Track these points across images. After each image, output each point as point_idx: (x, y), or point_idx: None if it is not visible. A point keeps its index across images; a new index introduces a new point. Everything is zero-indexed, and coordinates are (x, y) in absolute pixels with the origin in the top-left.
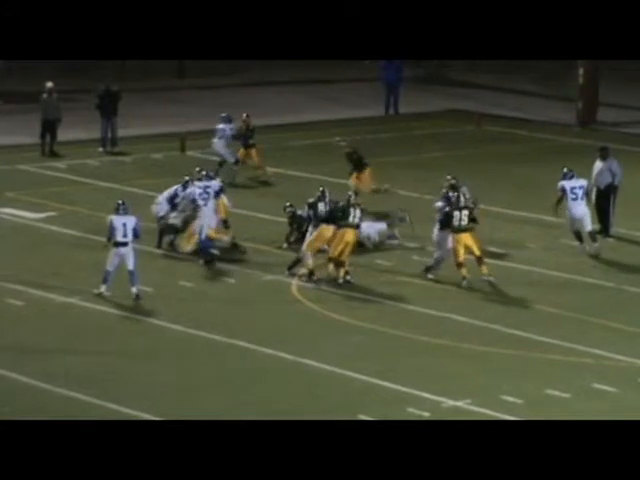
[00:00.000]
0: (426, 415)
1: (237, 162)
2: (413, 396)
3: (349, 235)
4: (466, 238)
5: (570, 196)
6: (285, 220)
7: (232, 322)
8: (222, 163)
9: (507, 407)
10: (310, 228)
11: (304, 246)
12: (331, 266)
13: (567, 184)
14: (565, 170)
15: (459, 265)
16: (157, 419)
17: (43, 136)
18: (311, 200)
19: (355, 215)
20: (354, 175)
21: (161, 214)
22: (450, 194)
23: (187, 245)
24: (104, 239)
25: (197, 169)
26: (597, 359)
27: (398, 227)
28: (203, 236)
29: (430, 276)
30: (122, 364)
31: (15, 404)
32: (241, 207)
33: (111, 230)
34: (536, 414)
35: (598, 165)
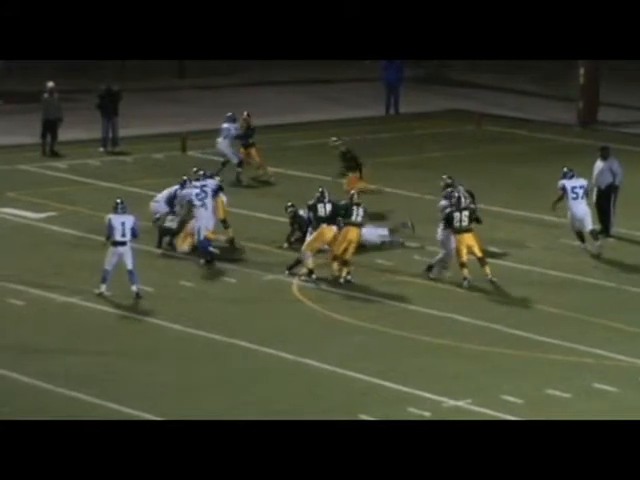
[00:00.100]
0: (427, 415)
1: (241, 163)
2: (414, 396)
3: (352, 233)
4: (468, 238)
5: (571, 195)
6: (285, 220)
7: (232, 322)
8: (225, 163)
9: (508, 407)
10: (310, 229)
11: (304, 246)
12: (335, 265)
13: (568, 183)
14: (565, 170)
15: (461, 265)
16: (157, 419)
17: (44, 136)
18: (311, 202)
19: (358, 214)
20: (349, 175)
21: (158, 215)
22: (455, 194)
23: (183, 245)
24: (104, 239)
25: (194, 169)
26: (598, 359)
27: (401, 232)
28: (201, 237)
29: (431, 275)
30: (122, 364)
31: (16, 404)
32: (241, 207)
33: (109, 229)
34: (537, 414)
35: (599, 165)
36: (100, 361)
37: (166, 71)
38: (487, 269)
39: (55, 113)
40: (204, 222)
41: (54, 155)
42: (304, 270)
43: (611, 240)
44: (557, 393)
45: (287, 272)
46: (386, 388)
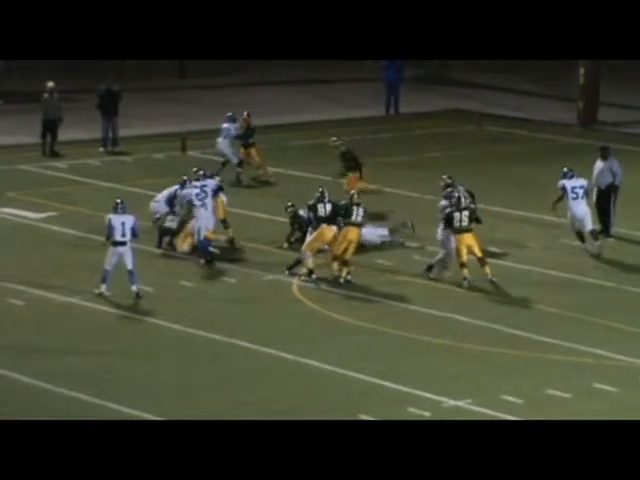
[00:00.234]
0: (427, 415)
1: (241, 163)
2: (414, 396)
3: (352, 233)
4: (468, 239)
5: (571, 196)
6: (285, 220)
7: (232, 322)
8: (225, 163)
9: (508, 407)
10: (310, 229)
11: (304, 246)
12: (335, 265)
13: (568, 183)
14: (565, 170)
15: (462, 265)
16: (157, 419)
17: (44, 136)
18: (311, 202)
19: (358, 214)
20: (350, 175)
21: (157, 215)
22: (455, 194)
23: (183, 245)
24: (104, 239)
25: (194, 169)
26: (598, 359)
27: (401, 232)
28: (201, 237)
29: (431, 275)
30: (122, 364)
31: (16, 404)
32: (241, 207)
33: (109, 229)
34: (537, 414)
35: (599, 165)
36: (100, 361)
37: (166, 71)
38: (487, 269)
39: (55, 113)
40: (204, 222)
41: (54, 155)
42: (304, 270)
43: (611, 240)
44: (557, 393)
45: (287, 272)
46: (386, 388)
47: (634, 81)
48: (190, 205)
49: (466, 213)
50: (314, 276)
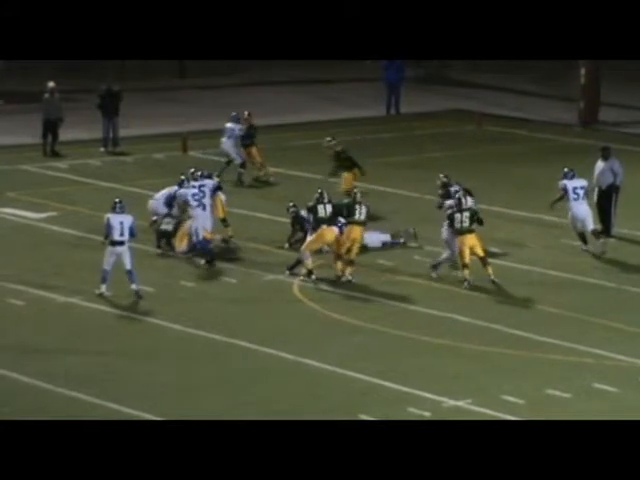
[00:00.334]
0: (427, 415)
1: (244, 164)
2: (414, 396)
3: (355, 232)
4: (470, 239)
5: (572, 196)
6: (286, 220)
7: (232, 322)
8: (229, 162)
9: (508, 407)
10: (310, 231)
11: (303, 246)
12: (339, 264)
13: (569, 184)
14: (566, 170)
15: (464, 266)
16: (157, 419)
17: (44, 136)
18: (310, 203)
19: (361, 212)
20: (344, 174)
21: (155, 218)
22: (457, 195)
23: (180, 245)
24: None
25: (191, 170)
26: (598, 359)
27: (404, 238)
28: (200, 237)
29: (434, 275)
30: (122, 364)
31: (16, 404)
32: (241, 207)
33: (108, 229)
34: (537, 414)
35: (600, 165)
36: (100, 361)
37: (166, 71)
38: (489, 269)
39: (56, 113)
40: (201, 222)
41: (55, 155)
42: (304, 270)
43: (612, 240)
44: (557, 393)
45: (287, 272)
46: (386, 388)
47: (634, 81)
48: (186, 205)
49: (467, 214)
50: (314, 276)
